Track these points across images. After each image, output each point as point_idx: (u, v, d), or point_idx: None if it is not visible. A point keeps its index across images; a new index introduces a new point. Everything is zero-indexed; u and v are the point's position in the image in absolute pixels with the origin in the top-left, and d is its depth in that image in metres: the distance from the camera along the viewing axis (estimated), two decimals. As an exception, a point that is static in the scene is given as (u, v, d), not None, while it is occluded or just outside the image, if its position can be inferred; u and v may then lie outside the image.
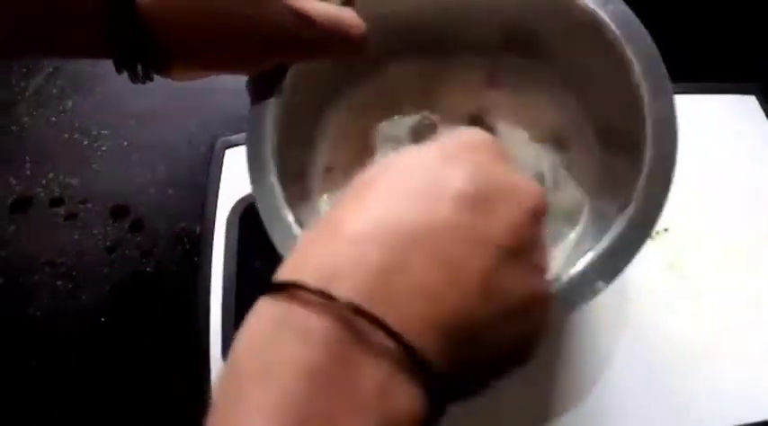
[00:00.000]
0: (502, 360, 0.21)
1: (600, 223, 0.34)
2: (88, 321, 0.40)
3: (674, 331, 0.39)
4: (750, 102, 0.48)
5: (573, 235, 0.35)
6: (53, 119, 0.48)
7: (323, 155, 0.37)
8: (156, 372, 0.39)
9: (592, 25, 0.33)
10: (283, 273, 0.20)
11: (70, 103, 0.49)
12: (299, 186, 0.34)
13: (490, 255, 0.20)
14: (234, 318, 0.38)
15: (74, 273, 0.42)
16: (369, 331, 0.18)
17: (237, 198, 0.42)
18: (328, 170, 0.37)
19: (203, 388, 0.36)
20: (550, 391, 0.37)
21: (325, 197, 0.36)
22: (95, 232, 0.44)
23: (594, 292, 0.28)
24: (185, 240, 0.43)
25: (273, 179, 0.30)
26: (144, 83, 0.30)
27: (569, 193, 0.37)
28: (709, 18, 0.52)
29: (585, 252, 0.29)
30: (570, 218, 0.36)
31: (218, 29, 0.28)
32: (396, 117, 0.38)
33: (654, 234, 0.42)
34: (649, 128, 0.31)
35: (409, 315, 0.18)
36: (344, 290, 0.18)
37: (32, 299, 0.41)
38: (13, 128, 0.48)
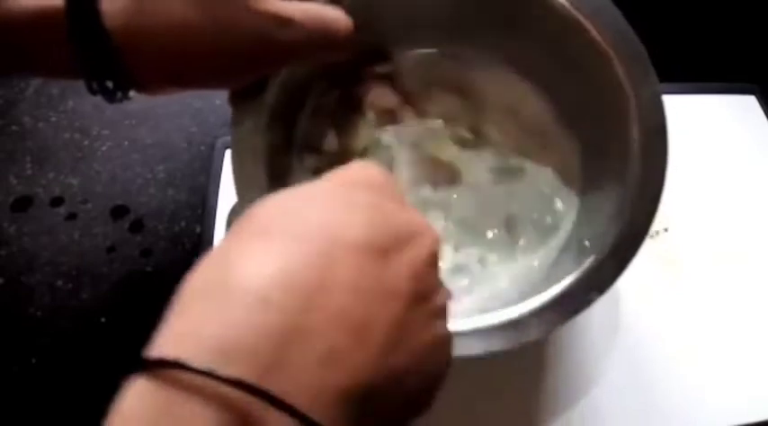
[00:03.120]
0: (404, 412, 0.20)
1: (588, 227, 0.34)
2: (88, 321, 0.40)
3: (672, 330, 0.39)
4: (750, 102, 0.48)
5: (555, 242, 0.35)
6: (53, 119, 0.48)
7: (310, 158, 0.37)
8: (156, 372, 0.39)
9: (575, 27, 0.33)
10: (163, 345, 0.17)
11: (70, 103, 0.49)
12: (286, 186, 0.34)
13: (394, 307, 0.19)
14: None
15: (74, 273, 0.42)
16: (263, 412, 0.16)
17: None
18: (316, 171, 0.37)
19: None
20: (545, 393, 0.37)
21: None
22: (95, 232, 0.44)
23: (588, 302, 0.28)
24: (185, 240, 0.43)
25: (261, 191, 0.29)
26: (121, 101, 0.29)
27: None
28: (709, 18, 0.52)
29: (573, 262, 0.29)
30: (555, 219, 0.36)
31: (192, 45, 0.27)
32: (389, 128, 0.38)
33: (653, 233, 0.42)
34: (637, 140, 0.31)
35: (310, 387, 0.16)
36: (236, 367, 0.16)
37: (33, 299, 0.41)
38: (14, 128, 0.48)
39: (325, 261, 0.18)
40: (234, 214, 0.41)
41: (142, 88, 0.28)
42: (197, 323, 0.17)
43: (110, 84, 0.27)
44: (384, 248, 0.19)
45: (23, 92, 0.50)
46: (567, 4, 0.32)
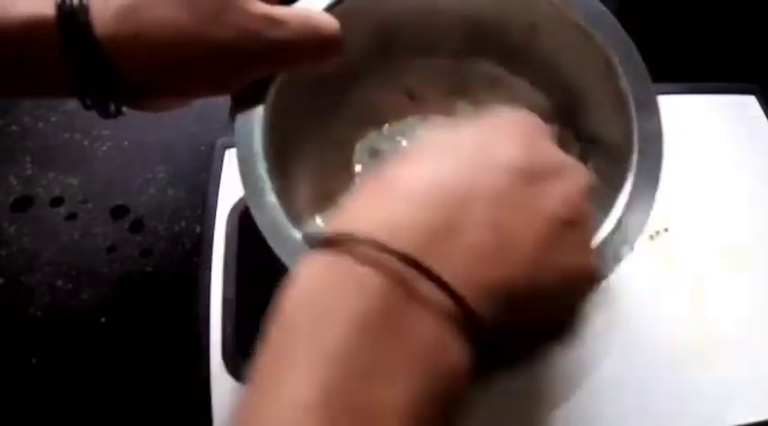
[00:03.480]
0: (544, 331, 0.22)
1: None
2: (88, 320, 0.40)
3: (672, 330, 0.39)
4: (750, 102, 0.48)
5: None
6: (53, 119, 0.48)
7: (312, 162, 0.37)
8: (156, 372, 0.39)
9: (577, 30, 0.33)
10: (337, 225, 0.19)
11: (70, 103, 0.49)
12: (291, 193, 0.34)
13: (544, 225, 0.20)
14: (234, 318, 0.38)
15: (74, 273, 0.42)
16: (423, 286, 0.18)
17: (237, 198, 0.42)
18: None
19: (203, 388, 0.36)
20: (542, 389, 0.37)
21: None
22: (95, 232, 0.44)
23: (619, 258, 0.28)
24: (185, 240, 0.43)
25: (272, 197, 0.29)
26: (115, 117, 0.29)
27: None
28: (708, 18, 0.52)
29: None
30: None
31: (186, 56, 0.27)
32: (385, 127, 0.38)
33: (653, 233, 0.42)
34: (636, 136, 0.31)
35: (463, 275, 0.18)
36: (401, 245, 0.18)
37: (33, 299, 0.41)
38: (14, 127, 0.48)
39: (480, 174, 0.20)
40: (233, 215, 0.42)
41: (135, 101, 0.28)
42: (363, 212, 0.20)
43: (103, 99, 0.27)
44: (536, 173, 0.21)
45: (23, 92, 0.50)
46: (571, 14, 0.33)
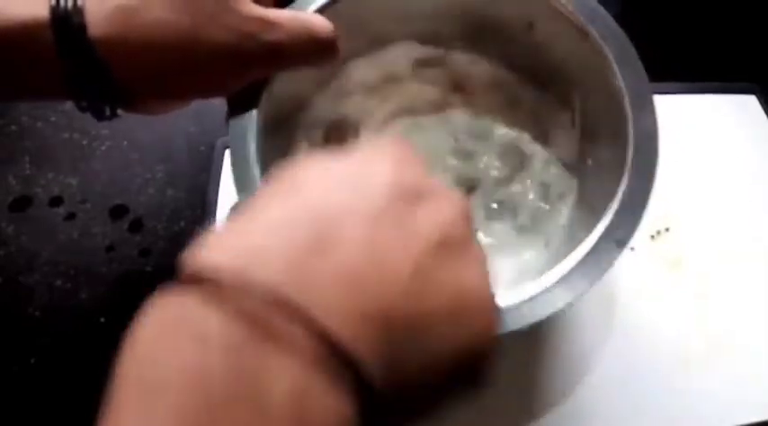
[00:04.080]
0: (446, 375, 0.18)
1: (590, 196, 0.34)
2: (87, 320, 0.40)
3: (672, 330, 0.39)
4: (750, 102, 0.48)
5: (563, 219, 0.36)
6: (53, 118, 0.48)
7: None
8: (156, 372, 0.39)
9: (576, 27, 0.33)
10: (188, 262, 0.17)
11: (69, 103, 0.49)
12: None
13: (421, 244, 0.18)
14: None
15: (73, 273, 0.42)
16: (283, 325, 0.15)
17: (237, 198, 0.42)
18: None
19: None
20: (539, 387, 0.37)
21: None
22: (95, 232, 0.43)
23: (603, 269, 0.28)
24: (185, 240, 0.43)
25: None
26: (110, 119, 0.28)
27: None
28: (708, 18, 0.52)
29: (581, 231, 0.29)
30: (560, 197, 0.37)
31: (181, 58, 0.27)
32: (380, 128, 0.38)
33: (654, 233, 0.42)
34: (631, 134, 0.31)
35: (332, 305, 0.16)
36: (257, 278, 0.16)
37: (32, 299, 0.41)
38: (13, 127, 0.48)
39: (352, 194, 0.18)
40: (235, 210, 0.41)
41: (131, 104, 0.28)
42: (216, 244, 0.17)
43: (98, 101, 0.27)
44: (413, 193, 0.19)
45: (22, 91, 0.50)
46: (567, 9, 0.33)
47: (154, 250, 0.43)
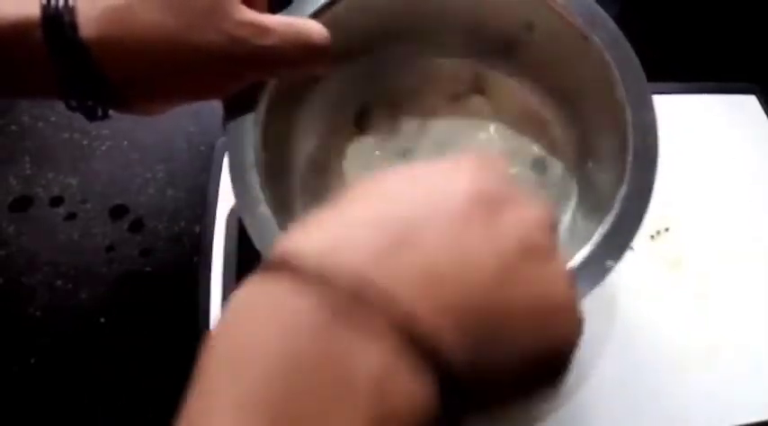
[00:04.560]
0: (527, 372, 0.18)
1: (591, 199, 0.34)
2: (87, 320, 0.40)
3: (672, 330, 0.39)
4: (750, 102, 0.48)
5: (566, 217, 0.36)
6: (52, 118, 0.48)
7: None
8: (156, 372, 0.39)
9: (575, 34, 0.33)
10: (274, 250, 0.17)
11: (70, 103, 0.49)
12: (287, 201, 0.34)
13: (506, 244, 0.18)
14: (234, 318, 0.38)
15: (73, 273, 0.42)
16: (367, 311, 0.16)
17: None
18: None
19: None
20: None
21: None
22: (95, 232, 0.43)
23: (606, 271, 0.28)
24: (185, 240, 0.43)
25: (264, 208, 0.29)
26: (101, 120, 0.28)
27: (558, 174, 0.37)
28: (708, 17, 0.52)
29: (582, 234, 0.29)
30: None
31: (172, 59, 0.27)
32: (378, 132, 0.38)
33: (654, 233, 0.42)
34: (631, 134, 0.31)
35: (416, 295, 0.16)
36: (343, 265, 0.16)
37: (32, 299, 0.41)
38: (13, 127, 0.48)
39: (436, 199, 0.18)
40: (233, 215, 0.41)
41: (122, 104, 0.28)
42: (304, 235, 0.18)
43: (89, 102, 0.27)
44: (496, 201, 0.19)
45: (23, 91, 0.50)
46: (566, 11, 0.33)
47: (154, 250, 0.43)
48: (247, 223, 0.29)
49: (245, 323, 0.16)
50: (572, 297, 0.20)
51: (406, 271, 0.17)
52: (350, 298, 0.16)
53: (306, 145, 0.37)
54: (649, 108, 0.31)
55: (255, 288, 0.17)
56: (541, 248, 0.19)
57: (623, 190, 0.30)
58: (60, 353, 0.39)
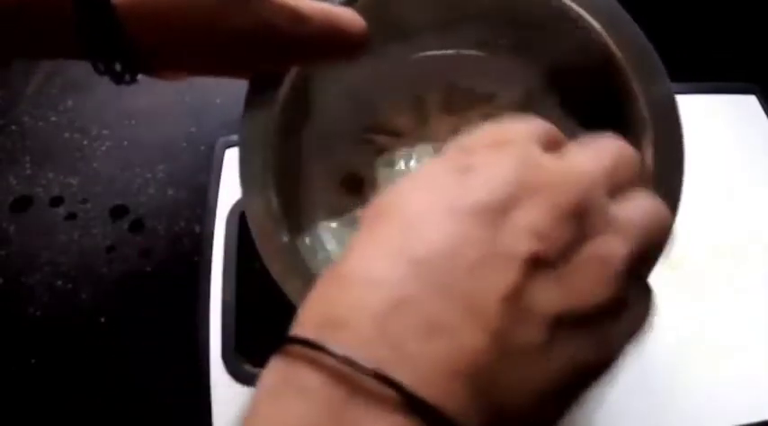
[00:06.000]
0: (547, 409, 0.17)
1: None
2: (88, 320, 0.40)
3: (672, 330, 0.39)
4: (750, 102, 0.48)
5: None
6: (53, 118, 0.48)
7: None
8: (156, 372, 0.39)
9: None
10: (291, 327, 0.18)
11: (70, 103, 0.49)
12: (293, 197, 0.34)
13: (510, 272, 0.17)
14: (234, 318, 0.38)
15: (73, 273, 0.42)
16: (371, 384, 0.15)
17: (237, 198, 0.42)
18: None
19: (203, 388, 0.36)
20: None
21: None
22: (95, 232, 0.43)
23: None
24: (185, 240, 0.43)
25: (267, 197, 0.29)
26: (129, 84, 0.28)
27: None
28: (708, 18, 0.52)
29: None
30: None
31: (204, 38, 0.26)
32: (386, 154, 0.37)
33: (654, 233, 0.42)
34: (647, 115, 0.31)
35: (418, 358, 0.16)
36: (342, 340, 0.16)
37: (32, 299, 0.41)
38: (13, 127, 0.48)
39: (434, 232, 0.17)
40: (233, 215, 0.41)
41: (149, 70, 0.28)
42: (310, 307, 0.18)
43: (117, 66, 0.27)
44: (500, 208, 0.17)
45: (23, 91, 0.50)
46: (584, 13, 0.33)
47: (154, 250, 0.43)
48: (248, 210, 0.29)
49: (266, 399, 0.17)
50: (619, 293, 0.18)
51: (402, 335, 0.16)
52: (351, 376, 0.16)
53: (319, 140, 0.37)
54: (661, 77, 0.31)
55: (272, 369, 0.17)
56: (556, 250, 0.18)
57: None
58: (60, 353, 0.39)
